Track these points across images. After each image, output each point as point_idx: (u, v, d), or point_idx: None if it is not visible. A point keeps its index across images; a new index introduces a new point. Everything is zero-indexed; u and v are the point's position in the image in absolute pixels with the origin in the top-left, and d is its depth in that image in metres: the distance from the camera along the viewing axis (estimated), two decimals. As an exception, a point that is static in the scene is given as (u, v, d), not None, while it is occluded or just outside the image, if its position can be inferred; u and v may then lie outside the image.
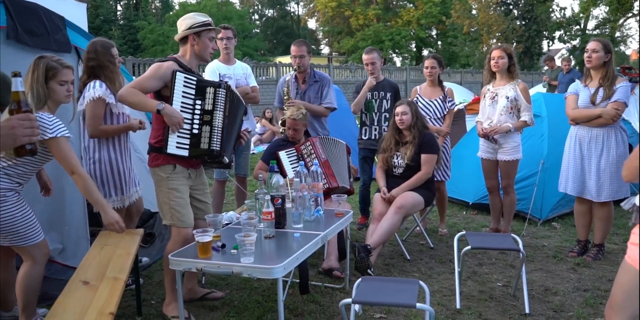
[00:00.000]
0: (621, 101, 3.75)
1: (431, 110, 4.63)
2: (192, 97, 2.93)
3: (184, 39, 3.04)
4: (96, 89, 3.21)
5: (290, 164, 3.92)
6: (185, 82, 2.91)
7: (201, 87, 2.96)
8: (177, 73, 2.88)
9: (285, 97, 4.44)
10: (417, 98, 4.73)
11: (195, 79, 2.96)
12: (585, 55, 3.89)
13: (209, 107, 2.95)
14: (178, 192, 2.98)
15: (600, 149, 3.85)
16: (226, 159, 3.08)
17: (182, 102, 2.90)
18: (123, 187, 3.37)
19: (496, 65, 4.32)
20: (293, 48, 4.44)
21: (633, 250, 1.85)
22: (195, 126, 2.92)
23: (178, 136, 2.87)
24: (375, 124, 4.77)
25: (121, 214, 3.42)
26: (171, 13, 34.79)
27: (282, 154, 3.94)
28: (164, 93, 2.94)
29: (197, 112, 2.93)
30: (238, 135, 3.28)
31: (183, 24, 3.03)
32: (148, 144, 3.07)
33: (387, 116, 4.76)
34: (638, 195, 1.86)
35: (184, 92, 2.90)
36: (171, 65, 2.93)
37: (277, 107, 4.77)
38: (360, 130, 4.87)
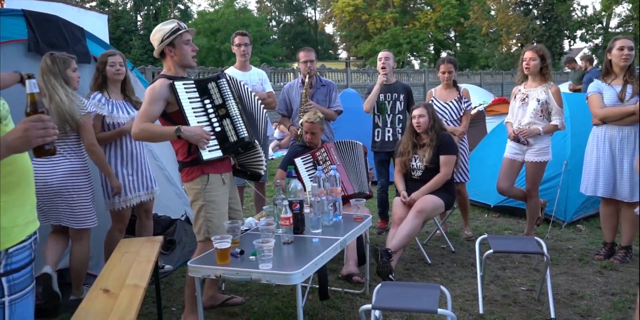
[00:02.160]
0: None
1: (447, 112, 4.58)
2: (199, 99, 2.90)
3: (163, 54, 2.95)
4: (89, 103, 3.39)
5: (307, 171, 3.91)
6: (185, 89, 2.87)
7: (202, 87, 2.92)
8: (175, 84, 2.82)
9: (303, 99, 4.47)
10: (433, 101, 4.68)
11: (192, 81, 2.92)
12: (622, 52, 3.78)
13: (219, 101, 2.93)
14: (214, 204, 2.94)
15: (632, 148, 3.75)
16: (262, 154, 3.03)
17: (193, 108, 2.87)
18: (120, 192, 3.54)
19: (527, 66, 4.17)
20: (302, 54, 4.58)
21: None
22: (216, 124, 2.90)
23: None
24: (389, 125, 4.75)
25: (123, 216, 3.63)
26: (190, 22, 35.25)
27: (298, 161, 3.93)
28: (168, 110, 2.87)
29: (211, 110, 2.91)
30: (262, 122, 3.19)
31: (155, 39, 2.92)
32: (179, 162, 3.00)
33: (401, 118, 4.74)
34: None
35: (189, 98, 2.87)
36: (163, 81, 2.85)
37: (281, 115, 4.79)
38: (373, 133, 4.84)
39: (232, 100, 2.96)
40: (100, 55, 3.62)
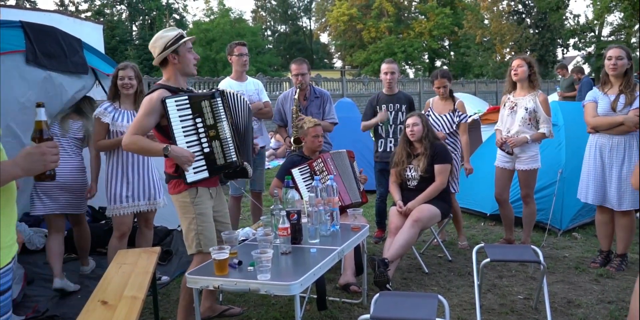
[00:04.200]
0: None
1: (440, 124, 4.60)
2: (191, 117, 2.81)
3: (164, 61, 2.90)
4: (96, 109, 3.68)
5: (304, 181, 3.91)
6: (177, 105, 2.78)
7: (195, 104, 2.82)
8: (166, 101, 2.75)
9: (294, 115, 4.45)
10: (429, 112, 4.72)
11: (186, 97, 2.82)
12: (610, 62, 3.82)
13: (210, 122, 2.86)
14: (204, 216, 2.92)
15: (622, 157, 3.78)
16: (249, 167, 3.01)
17: (183, 127, 2.79)
18: (118, 199, 3.65)
19: (515, 74, 4.24)
20: (294, 66, 4.52)
21: None
22: (205, 145, 2.84)
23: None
24: (391, 136, 4.77)
25: (122, 224, 3.69)
26: (185, 32, 35.17)
27: (295, 172, 3.92)
28: (162, 123, 2.83)
29: (201, 130, 2.83)
30: (252, 136, 3.18)
31: (157, 46, 2.87)
32: (165, 173, 2.97)
33: (403, 128, 4.76)
34: None
35: (180, 116, 2.78)
36: (161, 93, 2.80)
37: (277, 125, 4.81)
38: (376, 143, 4.87)
39: (225, 122, 2.89)
40: (115, 68, 3.76)
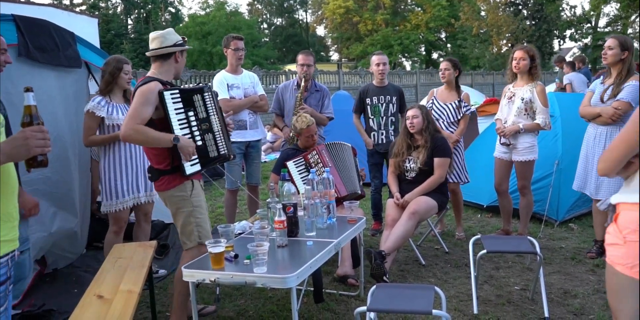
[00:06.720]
0: (624, 100, 3.72)
1: (445, 113, 4.60)
2: (183, 110, 2.83)
3: (166, 56, 2.90)
4: (88, 103, 3.57)
5: (299, 174, 3.91)
6: (173, 99, 2.79)
7: (187, 98, 2.85)
8: (164, 93, 2.75)
9: (297, 102, 4.52)
10: (433, 101, 4.72)
11: (177, 91, 2.83)
12: (602, 52, 3.90)
13: (202, 115, 2.90)
14: (201, 208, 2.93)
15: (603, 147, 3.83)
16: (232, 156, 3.11)
17: (179, 120, 2.80)
18: (117, 193, 3.61)
19: (517, 66, 4.25)
20: (301, 57, 4.62)
21: (610, 251, 1.82)
22: (198, 138, 2.87)
23: None
24: (382, 128, 4.77)
25: (119, 218, 3.66)
26: (181, 25, 35.12)
27: (291, 164, 3.92)
28: (153, 116, 2.79)
29: (194, 123, 2.86)
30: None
31: (169, 38, 2.88)
32: (153, 171, 2.91)
33: (394, 120, 4.76)
34: (614, 196, 1.82)
35: (175, 109, 2.79)
36: (157, 85, 2.77)
37: (275, 114, 4.86)
38: (368, 135, 4.86)
39: (215, 115, 2.97)
40: (113, 61, 3.67)
